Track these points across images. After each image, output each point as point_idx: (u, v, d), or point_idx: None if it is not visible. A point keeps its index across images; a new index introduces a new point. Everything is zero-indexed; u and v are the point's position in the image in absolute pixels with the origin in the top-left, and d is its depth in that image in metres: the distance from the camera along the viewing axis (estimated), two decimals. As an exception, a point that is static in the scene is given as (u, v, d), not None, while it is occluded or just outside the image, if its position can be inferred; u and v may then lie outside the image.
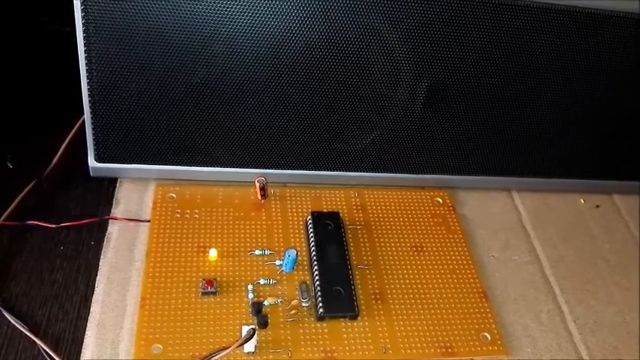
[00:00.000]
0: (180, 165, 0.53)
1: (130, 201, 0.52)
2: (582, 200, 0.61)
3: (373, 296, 0.48)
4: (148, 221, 0.50)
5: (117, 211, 0.51)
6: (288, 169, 0.54)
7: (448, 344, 0.46)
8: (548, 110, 0.54)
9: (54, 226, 0.49)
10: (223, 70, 0.47)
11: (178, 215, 0.51)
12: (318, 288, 0.46)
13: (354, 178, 0.55)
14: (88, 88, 0.47)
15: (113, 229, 0.50)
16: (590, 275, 0.54)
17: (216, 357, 0.41)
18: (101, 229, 0.50)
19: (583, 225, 0.59)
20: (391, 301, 0.48)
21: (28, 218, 0.49)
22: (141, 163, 0.52)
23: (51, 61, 0.63)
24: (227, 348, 0.41)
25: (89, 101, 0.48)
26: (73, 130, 0.54)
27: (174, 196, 0.52)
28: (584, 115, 0.55)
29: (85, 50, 0.46)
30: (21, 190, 0.50)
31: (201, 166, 0.53)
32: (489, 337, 0.47)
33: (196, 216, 0.51)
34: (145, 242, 0.49)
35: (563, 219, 0.59)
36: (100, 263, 0.47)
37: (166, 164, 0.52)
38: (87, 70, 0.46)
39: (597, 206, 0.61)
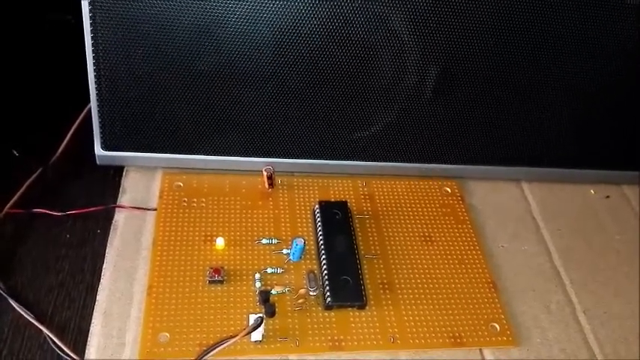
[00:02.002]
0: (186, 153, 0.52)
1: (136, 189, 0.52)
2: (592, 191, 0.60)
3: (381, 286, 0.47)
4: (155, 210, 0.50)
5: (123, 199, 0.51)
6: (296, 158, 0.54)
7: (457, 334, 0.45)
8: (558, 100, 0.53)
9: (60, 214, 0.49)
10: (229, 57, 0.47)
11: (185, 204, 0.50)
12: (326, 277, 0.46)
13: (361, 168, 0.55)
14: (95, 76, 0.47)
15: (119, 218, 0.50)
16: (600, 266, 0.53)
17: (223, 345, 0.41)
18: (107, 217, 0.50)
19: (593, 216, 0.58)
20: (399, 291, 0.47)
21: (33, 206, 0.49)
22: (147, 152, 0.52)
23: (56, 50, 0.63)
24: (234, 337, 0.41)
25: (95, 89, 0.48)
26: (79, 119, 0.54)
27: (181, 184, 0.52)
28: (594, 106, 0.54)
29: (91, 37, 0.45)
30: (27, 179, 0.50)
31: (207, 154, 0.53)
32: (498, 328, 0.46)
33: (203, 205, 0.50)
34: (151, 231, 0.48)
35: (573, 210, 0.58)
36: (107, 251, 0.47)
37: (173, 153, 0.52)
38: (93, 57, 0.46)
39: (607, 197, 0.60)
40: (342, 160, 0.54)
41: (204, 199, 0.51)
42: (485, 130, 0.54)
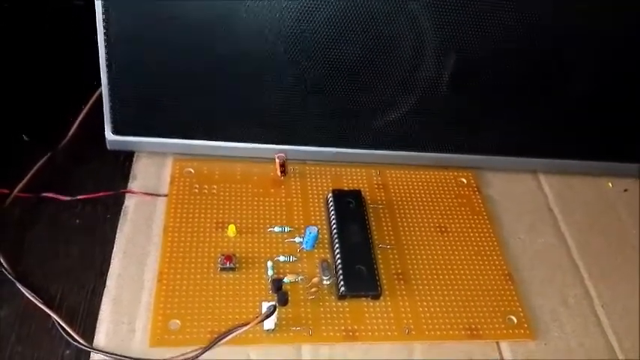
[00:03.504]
0: (198, 140, 0.51)
1: (146, 175, 0.51)
2: (610, 184, 0.59)
3: (396, 276, 0.46)
4: (166, 195, 0.49)
5: (133, 185, 0.50)
6: (308, 145, 0.53)
7: (473, 326, 0.44)
8: (577, 91, 0.52)
9: (69, 198, 0.48)
10: (245, 42, 0.46)
11: (196, 190, 0.49)
12: (340, 266, 0.45)
13: (375, 156, 0.54)
14: (106, 59, 0.46)
15: (130, 203, 0.49)
16: (618, 260, 0.52)
17: (235, 333, 0.40)
18: (117, 202, 0.49)
19: (610, 209, 0.57)
20: (414, 282, 0.46)
21: (42, 191, 0.48)
22: (158, 137, 0.51)
23: (69, 33, 0.62)
24: (246, 324, 0.40)
25: (107, 72, 0.47)
26: (90, 103, 0.53)
27: (192, 170, 0.51)
28: (613, 98, 0.53)
29: (103, 19, 0.44)
30: (36, 163, 0.49)
31: (219, 141, 0.51)
32: (515, 320, 0.45)
33: (214, 191, 0.50)
34: (162, 217, 0.48)
35: (591, 202, 0.57)
36: (117, 237, 0.46)
37: (184, 138, 0.51)
38: (105, 40, 0.45)
39: (625, 190, 0.59)
40: (357, 148, 0.53)
41: (215, 186, 0.50)
42: (503, 120, 0.53)
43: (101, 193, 0.49)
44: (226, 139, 0.52)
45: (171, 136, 0.51)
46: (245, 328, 0.40)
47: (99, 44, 0.45)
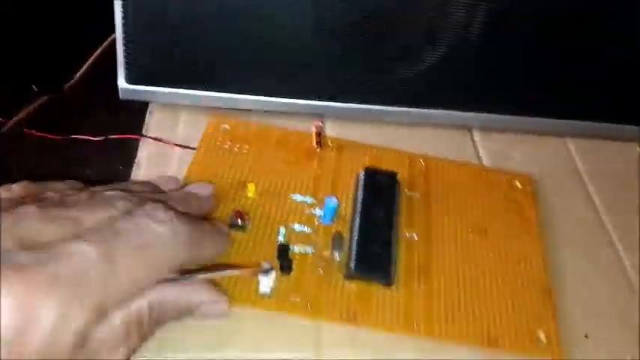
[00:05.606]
0: (217, 91, 0.50)
1: (161, 127, 0.50)
2: (638, 148, 0.56)
3: (417, 268, 0.42)
4: (181, 146, 0.48)
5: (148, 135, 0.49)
6: (329, 101, 0.51)
7: (492, 336, 0.39)
8: (615, 50, 0.49)
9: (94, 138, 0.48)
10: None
11: (227, 147, 0.48)
12: (355, 243, 0.41)
13: (397, 114, 0.51)
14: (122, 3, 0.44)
15: (143, 155, 0.48)
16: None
17: (223, 272, 0.38)
18: (130, 153, 0.48)
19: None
20: (435, 278, 0.42)
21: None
22: (173, 87, 0.49)
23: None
24: (238, 268, 0.38)
25: (121, 16, 0.45)
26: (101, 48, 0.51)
27: (227, 127, 0.49)
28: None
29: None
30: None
31: (238, 93, 0.50)
32: (545, 340, 0.40)
33: (245, 151, 0.48)
34: (174, 170, 0.46)
35: (619, 167, 0.54)
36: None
37: (203, 90, 0.50)
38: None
39: (655, 155, 0.56)
40: (380, 105, 0.51)
41: (247, 146, 0.48)
42: (530, 80, 0.51)
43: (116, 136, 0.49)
44: (244, 91, 0.50)
45: (187, 87, 0.50)
46: (232, 272, 0.38)
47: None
